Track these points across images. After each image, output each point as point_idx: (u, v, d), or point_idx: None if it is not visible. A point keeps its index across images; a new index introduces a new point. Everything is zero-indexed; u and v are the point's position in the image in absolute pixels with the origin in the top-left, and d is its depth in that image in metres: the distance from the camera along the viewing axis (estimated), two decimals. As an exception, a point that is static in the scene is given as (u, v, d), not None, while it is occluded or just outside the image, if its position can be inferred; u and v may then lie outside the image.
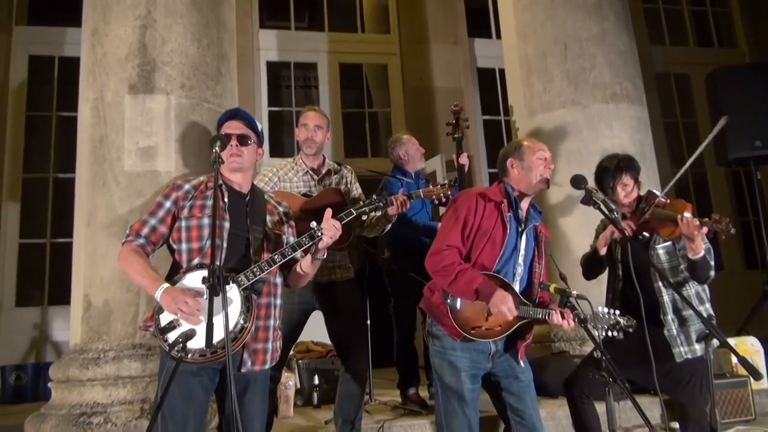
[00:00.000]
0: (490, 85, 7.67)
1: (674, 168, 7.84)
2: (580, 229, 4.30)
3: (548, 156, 2.47)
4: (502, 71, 5.80)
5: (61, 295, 5.81)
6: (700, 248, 2.47)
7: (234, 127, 2.26)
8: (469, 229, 2.36)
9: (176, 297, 1.93)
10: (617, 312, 2.34)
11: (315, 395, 4.23)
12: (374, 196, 2.37)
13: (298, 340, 4.53)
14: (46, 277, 6.34)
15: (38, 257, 6.38)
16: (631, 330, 2.31)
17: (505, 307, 2.22)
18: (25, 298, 6.30)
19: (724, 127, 4.95)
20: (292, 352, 4.52)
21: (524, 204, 2.47)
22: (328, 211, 2.18)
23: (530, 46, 4.90)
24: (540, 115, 4.80)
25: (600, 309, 2.29)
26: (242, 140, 2.24)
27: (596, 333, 2.22)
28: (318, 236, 2.12)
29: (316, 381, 4.25)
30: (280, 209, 2.38)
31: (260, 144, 2.34)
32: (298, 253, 2.14)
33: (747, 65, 6.82)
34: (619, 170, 2.76)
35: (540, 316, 2.29)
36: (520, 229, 2.43)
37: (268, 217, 2.29)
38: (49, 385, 3.53)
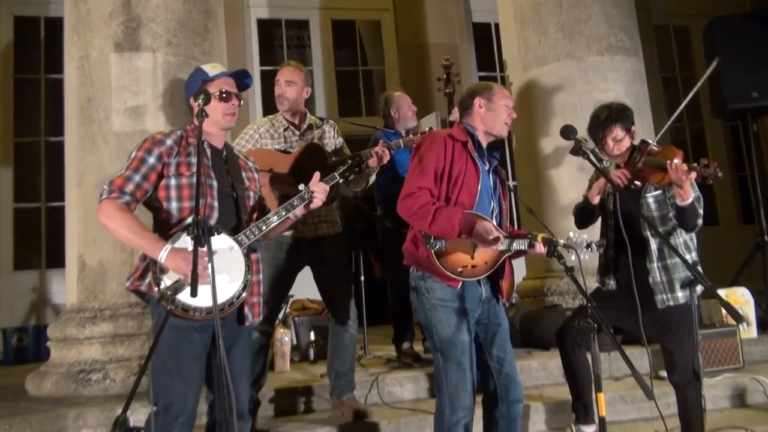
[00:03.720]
0: (486, 41, 7.54)
1: (673, 122, 7.78)
2: (573, 182, 4.29)
3: (512, 105, 2.50)
4: (498, 25, 5.69)
5: (58, 259, 5.84)
6: (689, 195, 2.46)
7: (233, 86, 2.25)
8: (441, 172, 2.33)
9: (187, 257, 1.89)
10: (586, 235, 2.37)
11: (311, 351, 4.32)
12: (348, 161, 2.38)
13: (295, 298, 4.60)
14: (43, 241, 6.37)
15: (34, 221, 6.40)
16: (602, 248, 2.36)
17: (491, 235, 2.20)
18: (23, 261, 6.34)
19: (720, 78, 4.91)
20: (288, 310, 4.59)
21: (484, 144, 2.47)
22: (317, 175, 2.22)
23: (525, -3, 4.80)
24: (534, 68, 4.73)
25: (571, 234, 2.32)
26: (239, 101, 2.25)
27: (574, 258, 2.25)
28: (307, 198, 2.18)
29: (312, 337, 4.33)
30: (250, 164, 2.38)
31: None
32: (292, 214, 2.19)
33: (744, 14, 6.64)
34: (611, 121, 2.74)
35: (522, 247, 2.31)
36: (486, 168, 2.44)
37: (243, 174, 2.30)
38: (48, 344, 3.59)
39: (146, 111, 3.60)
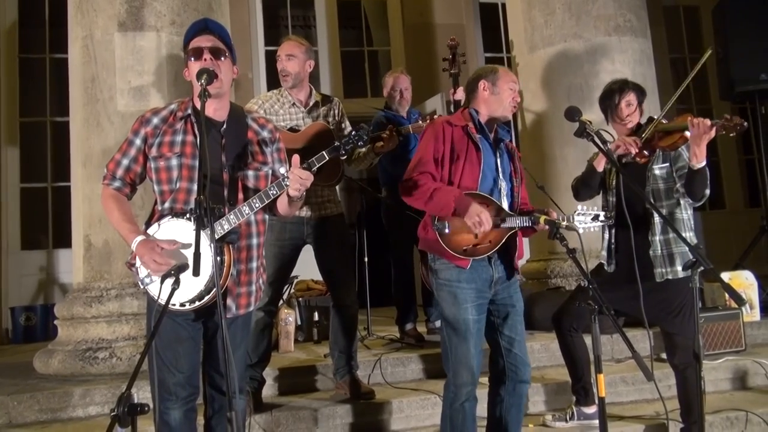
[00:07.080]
0: (493, 21, 7.46)
1: (679, 104, 7.71)
2: (578, 164, 4.26)
3: (517, 88, 2.50)
4: (504, 5, 5.62)
5: (65, 238, 5.89)
6: (704, 156, 2.44)
7: (204, 41, 2.02)
8: (441, 156, 2.39)
9: (143, 255, 1.91)
10: (596, 207, 2.38)
11: (315, 331, 4.35)
12: (353, 132, 2.14)
13: (299, 278, 4.63)
14: (50, 221, 6.40)
15: (41, 201, 6.43)
16: (611, 220, 2.36)
17: (479, 217, 2.25)
18: (31, 241, 6.39)
19: (728, 60, 4.85)
20: (292, 290, 4.62)
21: (491, 126, 2.49)
22: (296, 159, 1.97)
23: (532, -24, 4.73)
24: (541, 49, 4.68)
25: (580, 207, 2.34)
26: (216, 54, 2.00)
27: (581, 229, 2.30)
28: (286, 185, 1.97)
29: (316, 318, 4.36)
30: (264, 134, 2.13)
31: (234, 61, 2.10)
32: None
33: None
34: (627, 86, 2.76)
35: (526, 224, 2.36)
36: (493, 148, 2.46)
37: (249, 149, 2.09)
38: (55, 322, 3.64)
39: (150, 91, 3.60)
